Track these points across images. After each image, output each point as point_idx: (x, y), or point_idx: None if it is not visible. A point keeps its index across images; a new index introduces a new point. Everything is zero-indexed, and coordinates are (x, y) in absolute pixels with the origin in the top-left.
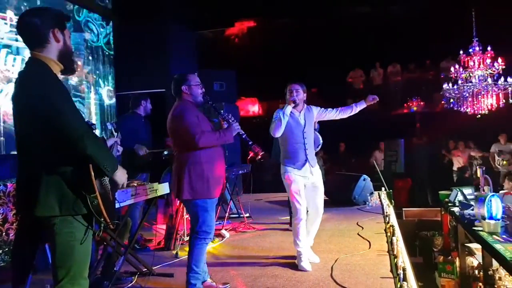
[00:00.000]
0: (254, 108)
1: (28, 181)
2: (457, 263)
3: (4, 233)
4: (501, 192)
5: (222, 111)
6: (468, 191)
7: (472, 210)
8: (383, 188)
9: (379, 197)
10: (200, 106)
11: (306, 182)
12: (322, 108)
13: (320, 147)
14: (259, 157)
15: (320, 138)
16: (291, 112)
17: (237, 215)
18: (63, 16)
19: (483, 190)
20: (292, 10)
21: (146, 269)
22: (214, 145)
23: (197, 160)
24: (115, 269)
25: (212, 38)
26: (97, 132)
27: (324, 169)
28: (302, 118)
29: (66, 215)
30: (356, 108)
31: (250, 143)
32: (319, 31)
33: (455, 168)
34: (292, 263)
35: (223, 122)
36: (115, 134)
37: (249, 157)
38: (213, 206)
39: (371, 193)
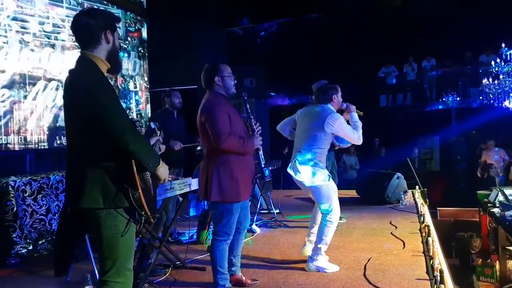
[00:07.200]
0: (283, 104)
1: (75, 175)
2: (497, 266)
3: (47, 223)
4: None
5: (252, 116)
6: (509, 191)
7: None
8: (417, 187)
9: (413, 196)
10: (233, 99)
11: None
12: None
13: None
14: (264, 179)
15: None
16: None
17: (267, 211)
18: (114, 18)
19: None
20: (322, 5)
21: (179, 262)
22: (234, 152)
23: (226, 159)
24: (149, 261)
25: (242, 34)
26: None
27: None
28: None
29: (109, 208)
30: None
31: (262, 163)
32: (350, 26)
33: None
34: None
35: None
36: (158, 133)
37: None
38: (238, 208)
39: (405, 192)
